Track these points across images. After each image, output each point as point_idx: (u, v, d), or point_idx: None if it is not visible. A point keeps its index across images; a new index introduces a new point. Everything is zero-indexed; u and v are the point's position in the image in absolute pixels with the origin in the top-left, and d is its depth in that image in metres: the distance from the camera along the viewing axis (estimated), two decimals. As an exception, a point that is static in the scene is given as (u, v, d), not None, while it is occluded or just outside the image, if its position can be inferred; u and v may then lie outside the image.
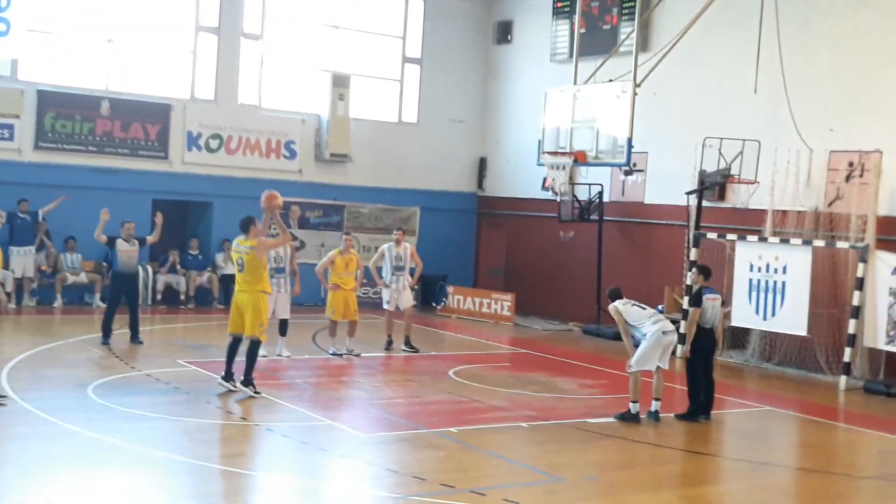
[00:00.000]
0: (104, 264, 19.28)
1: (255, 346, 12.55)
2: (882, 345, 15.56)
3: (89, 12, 20.46)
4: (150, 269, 20.69)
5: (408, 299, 17.10)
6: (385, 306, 17.09)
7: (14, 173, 19.53)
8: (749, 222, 18.00)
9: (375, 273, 17.06)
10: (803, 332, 16.41)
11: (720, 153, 17.79)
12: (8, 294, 19.14)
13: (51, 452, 9.63)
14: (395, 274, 16.93)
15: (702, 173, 18.29)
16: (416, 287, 17.68)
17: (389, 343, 16.90)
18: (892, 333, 15.35)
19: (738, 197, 18.23)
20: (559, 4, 22.78)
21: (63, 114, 20.14)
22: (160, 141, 21.17)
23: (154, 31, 21.21)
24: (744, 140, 17.57)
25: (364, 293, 22.39)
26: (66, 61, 20.39)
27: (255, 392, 12.44)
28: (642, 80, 15.94)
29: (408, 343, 16.89)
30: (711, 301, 12.66)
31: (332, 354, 15.88)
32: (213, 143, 21.78)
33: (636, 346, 12.43)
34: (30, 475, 8.93)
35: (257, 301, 12.44)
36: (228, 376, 12.65)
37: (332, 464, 10.05)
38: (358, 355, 15.97)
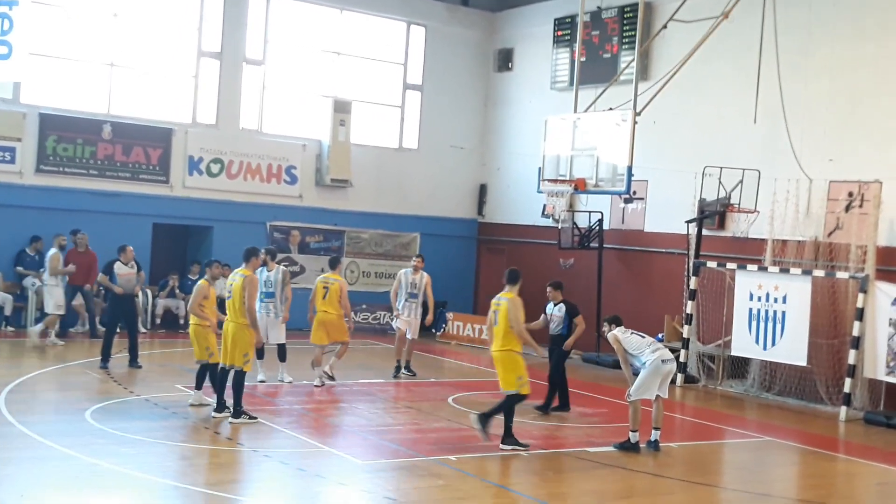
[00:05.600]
0: (101, 289, 19.13)
1: (239, 376, 12.48)
2: (882, 375, 15.51)
3: (92, 36, 20.56)
4: (149, 293, 20.67)
5: (415, 330, 17.00)
6: (396, 327, 17.05)
7: (15, 196, 19.56)
8: (749, 251, 18.02)
9: (395, 300, 16.99)
10: (803, 363, 16.39)
11: (720, 182, 17.84)
12: (7, 318, 19.18)
13: (48, 476, 9.60)
14: (409, 301, 16.84)
15: (701, 202, 18.34)
16: (430, 324, 17.66)
17: (398, 369, 16.80)
18: (892, 364, 15.31)
19: (738, 226, 18.25)
20: (560, 33, 22.92)
21: (65, 137, 20.18)
22: (161, 165, 21.21)
23: (156, 55, 21.32)
24: (743, 169, 17.63)
25: (363, 318, 22.51)
26: (69, 85, 20.46)
27: (251, 418, 12.41)
28: (642, 109, 15.98)
29: (408, 367, 16.92)
30: None
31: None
32: (214, 168, 21.82)
33: (635, 374, 12.42)
34: (27, 499, 8.90)
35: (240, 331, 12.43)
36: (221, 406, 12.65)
37: (329, 491, 9.99)
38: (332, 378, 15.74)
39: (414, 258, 17.42)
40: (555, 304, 14.69)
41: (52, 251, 18.17)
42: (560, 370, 14.52)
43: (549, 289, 14.83)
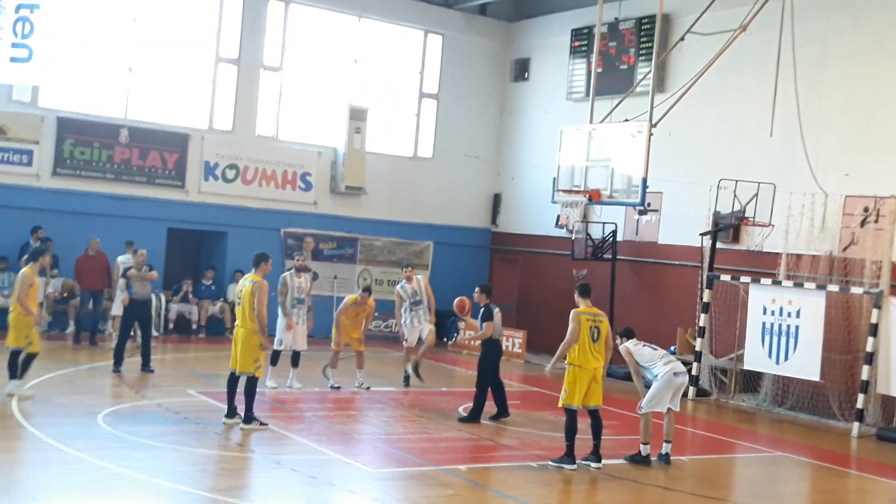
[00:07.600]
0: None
1: (251, 382, 12.48)
2: (895, 392, 15.45)
3: (111, 41, 20.68)
4: (162, 297, 20.74)
5: (429, 331, 16.85)
6: (404, 343, 16.89)
7: (31, 199, 19.66)
8: (763, 265, 17.97)
9: (399, 319, 16.92)
10: (816, 378, 16.32)
11: (735, 195, 17.79)
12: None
13: (60, 480, 9.63)
14: (414, 309, 16.71)
15: (716, 215, 18.30)
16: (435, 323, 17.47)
17: (407, 379, 16.70)
18: (905, 380, 15.24)
19: (753, 239, 18.19)
20: (577, 44, 22.92)
21: (82, 141, 20.29)
22: (177, 170, 21.30)
23: (174, 61, 21.43)
24: (759, 183, 17.58)
25: (375, 326, 22.43)
26: (87, 89, 20.58)
27: (262, 424, 12.43)
28: (658, 121, 15.97)
29: (416, 369, 16.41)
30: (498, 315, 14.14)
31: (332, 388, 15.89)
32: (230, 174, 21.90)
33: (647, 387, 12.39)
34: (38, 502, 8.93)
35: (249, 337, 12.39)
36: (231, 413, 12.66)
37: (339, 499, 10.00)
38: (368, 388, 15.97)
39: (404, 270, 17.21)
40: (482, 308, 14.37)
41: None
42: (484, 377, 14.05)
43: (476, 292, 14.51)
